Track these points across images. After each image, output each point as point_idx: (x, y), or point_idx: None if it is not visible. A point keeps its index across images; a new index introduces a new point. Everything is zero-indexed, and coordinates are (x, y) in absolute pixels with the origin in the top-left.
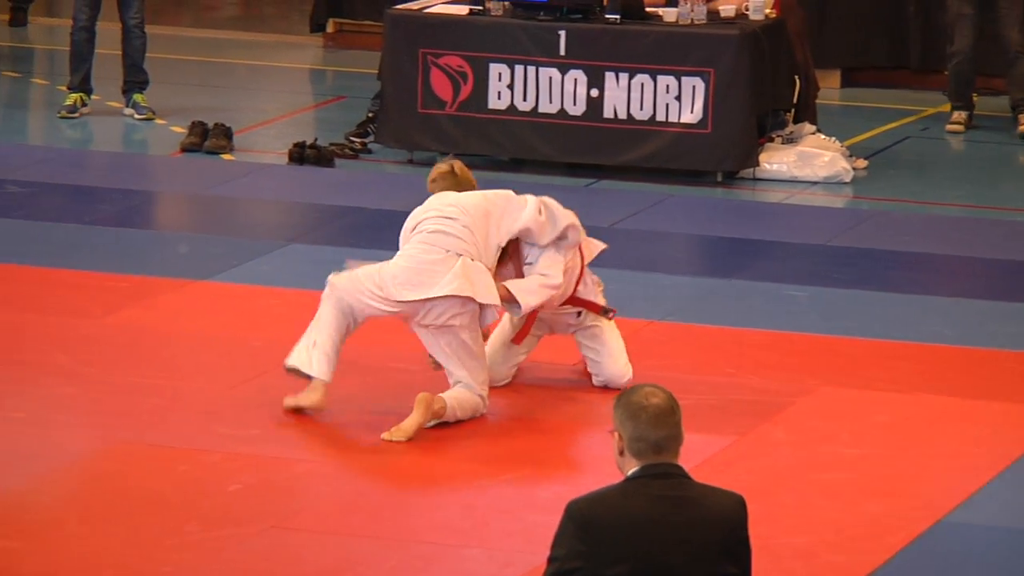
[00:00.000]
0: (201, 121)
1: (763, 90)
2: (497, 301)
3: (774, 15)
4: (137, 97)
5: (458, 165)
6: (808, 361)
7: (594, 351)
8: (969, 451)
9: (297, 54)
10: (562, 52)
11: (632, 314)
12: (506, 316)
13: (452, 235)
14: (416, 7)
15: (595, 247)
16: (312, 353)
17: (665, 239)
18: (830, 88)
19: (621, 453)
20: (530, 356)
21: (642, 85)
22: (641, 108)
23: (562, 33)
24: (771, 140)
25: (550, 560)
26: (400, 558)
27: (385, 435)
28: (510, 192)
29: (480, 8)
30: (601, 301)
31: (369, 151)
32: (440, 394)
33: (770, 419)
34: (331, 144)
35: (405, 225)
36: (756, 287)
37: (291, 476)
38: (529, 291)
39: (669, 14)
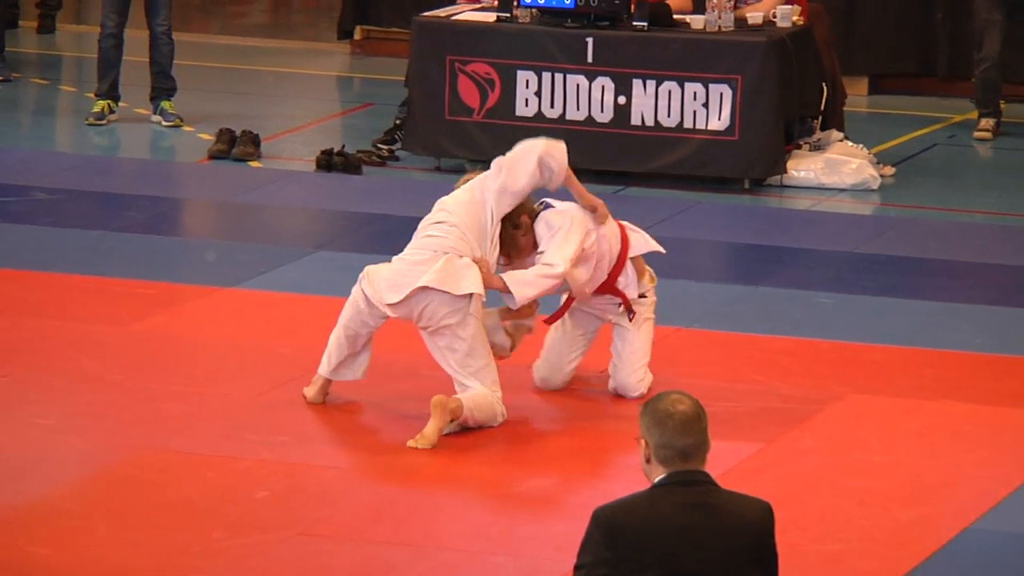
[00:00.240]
0: (229, 128)
1: (790, 97)
2: (479, 290)
3: (802, 22)
4: (165, 104)
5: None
6: (836, 368)
7: (616, 354)
8: (997, 458)
9: (325, 61)
10: (589, 59)
11: (659, 321)
12: (559, 322)
13: (438, 236)
14: (444, 14)
15: (646, 243)
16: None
17: (692, 246)
18: (858, 95)
19: (648, 460)
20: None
21: (669, 92)
22: (668, 115)
23: (590, 40)
24: (798, 147)
25: (577, 567)
26: (427, 565)
27: (410, 443)
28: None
29: (508, 15)
30: (648, 297)
31: (396, 158)
32: (455, 395)
33: (798, 426)
34: (358, 151)
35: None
36: (783, 294)
37: (318, 483)
38: (525, 282)
39: (696, 21)
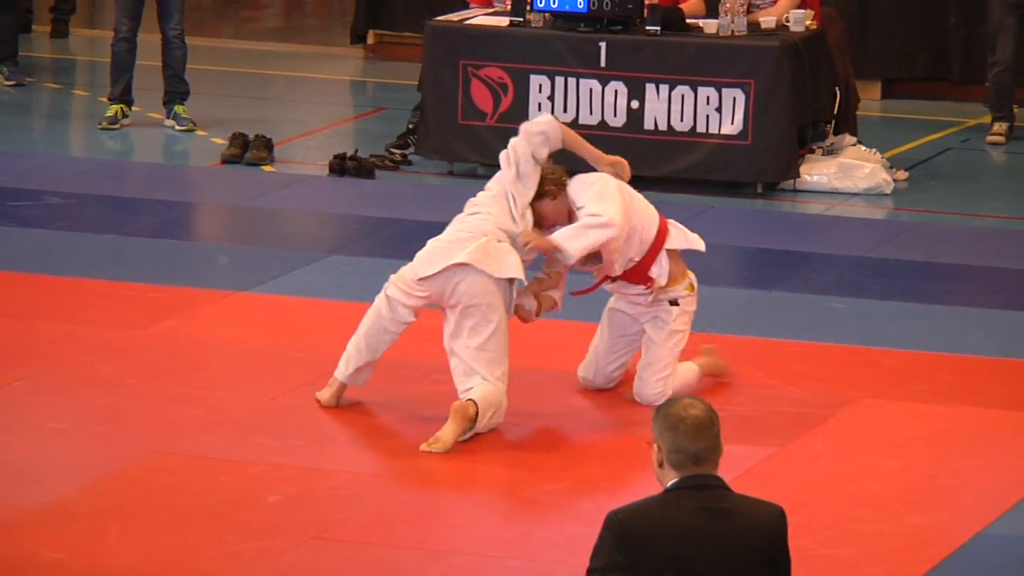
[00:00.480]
0: (242, 132)
1: (803, 101)
2: (520, 275)
3: (814, 26)
4: (178, 108)
5: None
6: (848, 373)
7: (641, 363)
8: (1010, 463)
9: (337, 65)
10: (602, 63)
11: None
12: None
13: (475, 222)
14: (457, 18)
15: (686, 239)
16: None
17: (705, 250)
18: (870, 100)
19: (660, 465)
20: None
21: (682, 96)
22: (681, 119)
23: (602, 44)
24: (811, 152)
25: (589, 571)
26: (441, 569)
27: (424, 446)
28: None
29: (521, 19)
30: (682, 305)
31: (409, 163)
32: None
33: (810, 431)
34: (371, 156)
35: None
36: (796, 299)
37: (331, 487)
38: (572, 236)
39: (709, 25)
